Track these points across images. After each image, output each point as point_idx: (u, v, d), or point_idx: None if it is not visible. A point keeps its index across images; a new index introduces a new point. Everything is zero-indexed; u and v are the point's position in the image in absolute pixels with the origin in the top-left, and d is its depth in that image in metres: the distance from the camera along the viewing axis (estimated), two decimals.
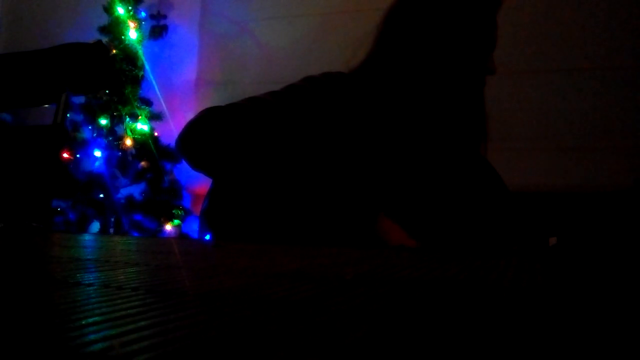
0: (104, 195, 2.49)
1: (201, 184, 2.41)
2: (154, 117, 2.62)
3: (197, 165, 0.83)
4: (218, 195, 0.87)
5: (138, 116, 2.58)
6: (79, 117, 2.60)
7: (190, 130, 0.82)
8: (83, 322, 0.19)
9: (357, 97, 0.87)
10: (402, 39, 0.89)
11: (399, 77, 0.89)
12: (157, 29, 2.72)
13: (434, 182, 0.87)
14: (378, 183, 0.83)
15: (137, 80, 2.60)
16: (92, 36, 2.45)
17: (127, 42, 2.59)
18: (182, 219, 2.58)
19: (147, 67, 2.66)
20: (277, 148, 0.78)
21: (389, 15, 0.93)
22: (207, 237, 0.92)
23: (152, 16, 2.75)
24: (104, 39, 2.55)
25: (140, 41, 2.63)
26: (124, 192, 2.53)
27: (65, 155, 2.38)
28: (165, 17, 2.78)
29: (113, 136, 2.59)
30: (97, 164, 2.53)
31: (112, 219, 2.51)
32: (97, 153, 2.54)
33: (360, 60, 0.93)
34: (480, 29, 0.89)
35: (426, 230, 0.79)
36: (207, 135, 0.80)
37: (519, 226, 0.94)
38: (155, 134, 2.63)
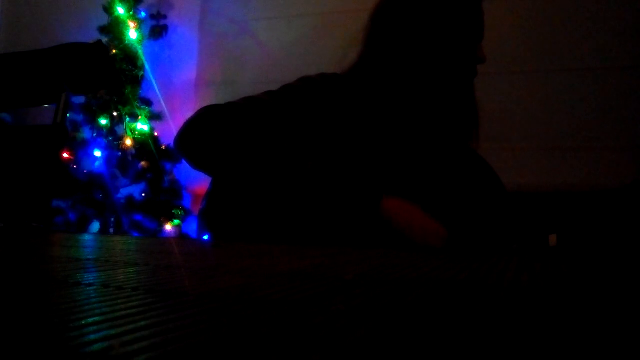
0: (104, 195, 2.49)
1: (201, 184, 2.41)
2: (154, 117, 2.62)
3: (195, 163, 0.84)
4: (216, 196, 0.87)
5: (138, 116, 2.58)
6: (79, 117, 2.60)
7: (189, 128, 0.82)
8: (83, 322, 0.19)
9: (351, 97, 0.88)
10: (389, 36, 0.90)
11: (390, 74, 0.89)
12: (157, 29, 2.72)
13: (431, 181, 0.87)
14: (375, 182, 0.83)
15: (137, 80, 2.60)
16: (92, 36, 2.45)
17: (127, 42, 2.59)
18: (182, 219, 2.58)
19: (147, 67, 2.66)
20: (273, 147, 0.79)
21: (375, 14, 0.94)
22: (206, 237, 0.92)
23: (152, 16, 2.75)
24: (104, 39, 2.55)
25: (140, 41, 2.63)
26: (124, 192, 2.53)
27: (65, 155, 2.38)
28: (165, 17, 2.78)
29: (113, 136, 2.59)
30: (97, 164, 2.53)
31: (112, 219, 2.51)
32: (97, 153, 2.54)
33: (353, 61, 0.93)
34: (466, 19, 0.89)
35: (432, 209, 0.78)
36: (205, 133, 0.81)
37: (518, 224, 0.94)
38: (155, 134, 2.63)
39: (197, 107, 0.84)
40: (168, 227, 2.54)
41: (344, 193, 0.75)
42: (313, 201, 0.75)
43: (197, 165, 0.84)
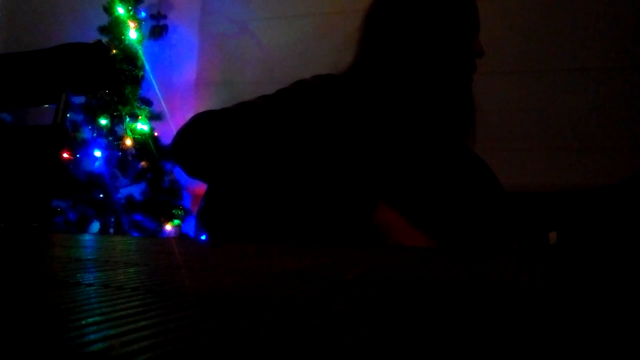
0: (104, 195, 2.49)
1: (201, 184, 2.41)
2: (154, 117, 2.62)
3: (191, 172, 0.83)
4: (214, 196, 0.87)
5: (138, 116, 2.58)
6: (79, 117, 2.60)
7: (182, 136, 0.81)
8: (83, 322, 0.19)
9: (348, 98, 0.88)
10: (384, 35, 0.90)
11: (386, 73, 0.89)
12: (157, 29, 2.72)
13: (428, 181, 0.87)
14: (372, 183, 0.83)
15: (137, 80, 2.60)
16: (92, 36, 2.45)
17: (127, 42, 2.59)
18: (182, 219, 2.58)
19: (147, 67, 2.66)
20: (270, 152, 0.78)
21: (369, 14, 0.94)
22: (203, 237, 0.92)
23: (152, 16, 2.76)
24: (104, 39, 2.55)
25: (140, 41, 2.63)
26: (124, 192, 2.53)
27: (65, 155, 2.38)
28: (165, 17, 2.79)
29: (113, 136, 2.59)
30: (97, 164, 2.53)
31: (112, 219, 2.51)
32: (97, 153, 2.54)
33: (349, 62, 0.93)
34: (460, 14, 0.89)
35: (425, 226, 0.78)
36: (199, 141, 0.80)
37: (518, 222, 0.94)
38: (155, 134, 2.63)
39: (197, 107, 0.84)
40: (168, 227, 2.54)
41: (334, 213, 0.75)
42: (309, 206, 0.75)
43: (193, 173, 0.83)
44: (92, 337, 0.17)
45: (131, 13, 2.63)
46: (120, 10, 2.61)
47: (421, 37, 0.88)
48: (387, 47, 0.89)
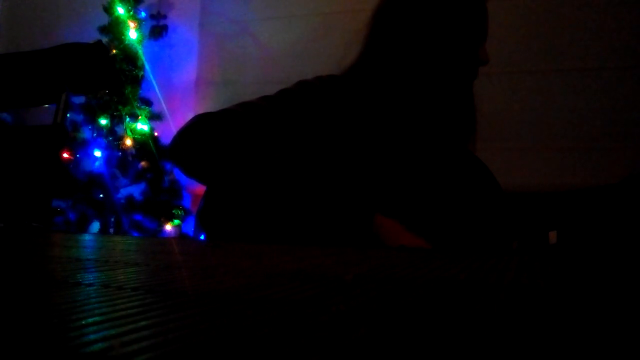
0: (104, 195, 2.49)
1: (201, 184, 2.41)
2: (154, 117, 2.63)
3: (191, 174, 0.83)
4: (214, 197, 0.87)
5: (138, 116, 2.58)
6: (79, 117, 2.60)
7: (182, 138, 0.81)
8: (83, 322, 0.19)
9: (349, 98, 0.88)
10: (391, 35, 0.89)
11: (390, 74, 0.89)
12: (157, 29, 2.72)
13: (429, 181, 0.87)
14: (373, 184, 0.83)
15: (137, 80, 2.60)
16: (92, 36, 2.45)
17: (127, 42, 2.60)
18: (182, 219, 2.59)
19: (147, 67, 2.66)
20: (271, 153, 0.78)
21: (377, 13, 0.93)
22: (202, 237, 0.92)
23: (152, 16, 2.76)
24: (104, 39, 2.55)
25: (140, 41, 2.63)
26: (124, 192, 2.53)
27: (65, 155, 2.38)
28: (165, 17, 2.79)
29: (113, 136, 2.59)
30: (97, 164, 2.53)
31: (112, 219, 2.51)
32: (97, 153, 2.54)
33: (352, 61, 0.93)
34: (470, 19, 0.89)
35: (425, 227, 0.79)
36: (199, 143, 0.80)
37: (518, 222, 0.94)
38: (155, 134, 2.63)
39: (197, 107, 0.84)
40: (168, 227, 2.54)
41: (335, 213, 0.75)
42: (308, 207, 0.75)
43: (193, 175, 0.84)
44: (92, 337, 0.17)
45: (131, 13, 2.63)
46: (120, 10, 2.61)
47: (428, 40, 0.87)
48: (392, 47, 0.89)
